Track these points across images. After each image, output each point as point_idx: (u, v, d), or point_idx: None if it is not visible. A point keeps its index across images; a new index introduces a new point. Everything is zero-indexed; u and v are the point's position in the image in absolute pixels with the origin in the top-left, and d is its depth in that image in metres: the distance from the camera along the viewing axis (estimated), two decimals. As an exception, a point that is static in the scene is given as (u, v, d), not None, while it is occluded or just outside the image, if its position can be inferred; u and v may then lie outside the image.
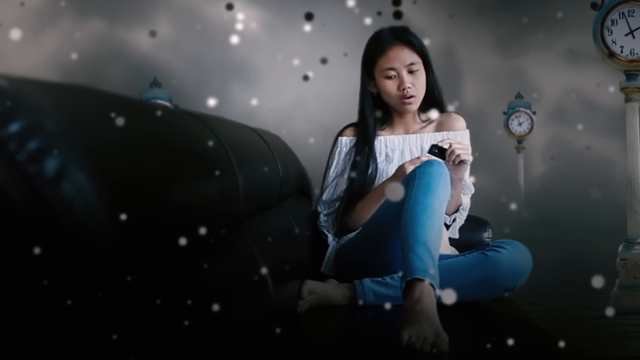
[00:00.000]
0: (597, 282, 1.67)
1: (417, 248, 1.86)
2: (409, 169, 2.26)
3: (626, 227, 4.21)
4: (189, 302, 1.00)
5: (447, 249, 2.44)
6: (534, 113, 8.80)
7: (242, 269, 1.35)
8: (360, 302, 2.14)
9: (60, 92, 0.83)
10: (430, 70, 2.54)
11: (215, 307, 1.10)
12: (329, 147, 2.68)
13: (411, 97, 2.49)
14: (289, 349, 1.62)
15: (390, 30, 2.53)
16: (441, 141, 2.34)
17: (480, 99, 9.19)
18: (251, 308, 1.36)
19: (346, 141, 2.61)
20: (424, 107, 2.61)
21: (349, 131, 2.63)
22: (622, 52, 4.16)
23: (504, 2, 9.30)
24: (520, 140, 8.86)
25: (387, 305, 2.06)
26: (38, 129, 0.71)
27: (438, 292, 1.79)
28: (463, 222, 2.58)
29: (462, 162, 2.30)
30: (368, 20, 2.54)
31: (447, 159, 2.28)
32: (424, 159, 2.30)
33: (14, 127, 0.70)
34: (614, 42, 4.15)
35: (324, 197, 2.59)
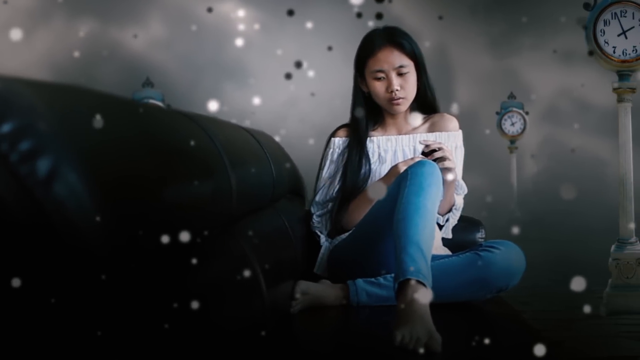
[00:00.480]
0: (578, 284, 1.66)
1: (409, 248, 1.85)
2: (402, 169, 2.26)
3: (618, 227, 4.22)
4: (182, 302, 0.99)
5: (440, 249, 2.44)
6: (527, 113, 8.82)
7: (235, 269, 1.35)
8: (354, 303, 2.14)
9: (52, 92, 0.83)
10: (423, 72, 2.54)
11: (208, 307, 1.10)
12: (321, 147, 2.68)
13: (399, 98, 2.49)
14: (281, 350, 1.62)
15: (383, 31, 2.53)
16: (427, 145, 2.33)
17: (473, 99, 9.21)
18: (244, 308, 1.36)
19: (339, 142, 2.61)
20: (417, 108, 2.62)
21: (342, 132, 2.63)
22: (614, 52, 4.17)
23: (496, 2, 9.31)
24: (512, 140, 8.88)
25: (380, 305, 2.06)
26: (30, 130, 0.71)
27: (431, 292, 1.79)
28: (456, 222, 2.58)
29: (445, 167, 2.29)
30: (370, 23, 2.54)
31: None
32: (417, 159, 2.30)
33: (5, 128, 0.69)
34: (607, 43, 4.16)
35: (317, 198, 2.59)
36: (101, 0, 8.36)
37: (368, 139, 2.58)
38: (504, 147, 8.92)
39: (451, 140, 2.55)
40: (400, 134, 2.59)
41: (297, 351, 1.69)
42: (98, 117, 0.85)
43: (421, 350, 1.57)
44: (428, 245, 1.90)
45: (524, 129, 8.81)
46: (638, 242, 4.17)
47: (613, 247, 4.19)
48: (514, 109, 8.81)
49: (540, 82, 9.32)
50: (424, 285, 1.78)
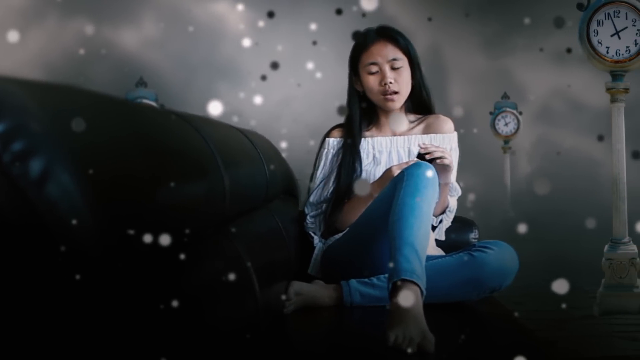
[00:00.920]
0: (560, 287, 1.67)
1: (404, 249, 1.85)
2: (396, 172, 2.27)
3: (612, 227, 4.23)
4: (175, 302, 0.99)
5: (433, 249, 2.44)
6: (520, 113, 8.83)
7: (228, 269, 1.35)
8: (347, 303, 2.14)
9: (45, 92, 0.82)
10: (417, 70, 2.54)
11: (201, 308, 1.10)
12: (315, 147, 2.68)
13: (393, 93, 2.49)
14: (274, 350, 1.62)
15: (377, 28, 2.55)
16: (425, 147, 2.33)
17: (466, 99, 9.21)
18: (237, 309, 1.36)
19: (333, 142, 2.60)
20: (412, 108, 2.61)
21: (336, 132, 2.63)
22: (607, 52, 4.17)
23: (490, 2, 9.32)
24: (506, 140, 8.89)
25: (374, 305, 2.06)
26: (22, 130, 0.71)
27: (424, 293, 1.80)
28: (450, 224, 2.58)
29: (443, 165, 2.29)
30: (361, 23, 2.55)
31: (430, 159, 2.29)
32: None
33: (-3, 128, 0.69)
34: (600, 43, 4.17)
35: (311, 198, 2.59)
36: (94, 0, 8.35)
37: (363, 139, 2.58)
38: (498, 147, 8.92)
39: (446, 142, 2.55)
40: (395, 135, 2.59)
41: (290, 351, 1.69)
42: (91, 117, 0.84)
43: (412, 350, 1.57)
44: (423, 246, 1.90)
45: (517, 129, 8.82)
46: (631, 242, 4.18)
47: (606, 247, 4.19)
48: (508, 109, 8.82)
49: (534, 82, 9.33)
50: (417, 285, 1.78)
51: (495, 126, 8.82)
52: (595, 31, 4.18)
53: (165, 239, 0.96)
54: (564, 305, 3.83)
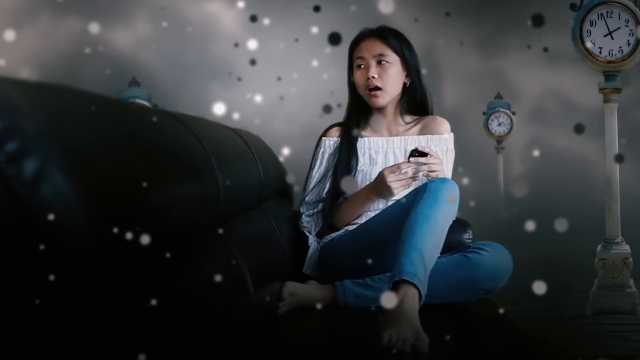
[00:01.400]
0: (539, 288, 1.67)
1: (411, 253, 1.85)
2: (388, 177, 2.31)
3: (604, 227, 4.23)
4: (169, 303, 0.99)
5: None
6: (514, 113, 8.83)
7: (222, 270, 1.35)
8: (341, 304, 2.14)
9: (38, 92, 0.82)
10: (413, 70, 2.54)
11: (195, 308, 1.10)
12: (310, 147, 2.67)
13: (376, 88, 2.50)
14: (269, 350, 1.62)
15: (373, 27, 2.56)
16: (423, 148, 2.34)
17: (460, 99, 9.21)
18: (231, 309, 1.35)
19: (330, 142, 2.60)
20: (408, 109, 2.61)
21: (333, 131, 2.62)
22: (600, 52, 4.18)
23: (484, 2, 9.33)
24: (499, 140, 8.89)
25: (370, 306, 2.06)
26: (16, 130, 0.70)
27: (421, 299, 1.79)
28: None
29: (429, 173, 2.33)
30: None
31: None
32: (404, 166, 2.32)
33: (-10, 129, 0.69)
34: (593, 43, 4.18)
35: (307, 198, 2.58)
36: (88, 0, 8.32)
37: (359, 138, 2.58)
38: (491, 147, 8.93)
39: (442, 143, 2.55)
40: (391, 136, 2.59)
41: (284, 352, 1.69)
42: (85, 117, 0.84)
43: (401, 350, 1.57)
44: (431, 254, 1.90)
45: (510, 129, 8.83)
46: (624, 242, 4.19)
47: (599, 247, 4.20)
48: (501, 109, 8.83)
49: (527, 82, 9.34)
50: (417, 288, 1.78)
51: (489, 126, 8.83)
52: (589, 31, 4.19)
53: (159, 240, 0.95)
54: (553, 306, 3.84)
